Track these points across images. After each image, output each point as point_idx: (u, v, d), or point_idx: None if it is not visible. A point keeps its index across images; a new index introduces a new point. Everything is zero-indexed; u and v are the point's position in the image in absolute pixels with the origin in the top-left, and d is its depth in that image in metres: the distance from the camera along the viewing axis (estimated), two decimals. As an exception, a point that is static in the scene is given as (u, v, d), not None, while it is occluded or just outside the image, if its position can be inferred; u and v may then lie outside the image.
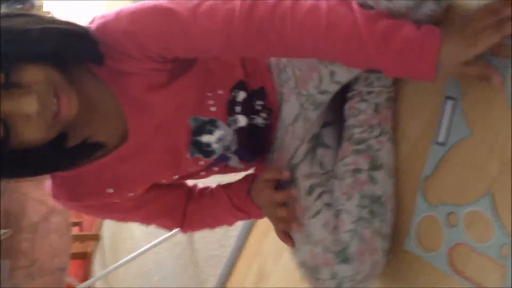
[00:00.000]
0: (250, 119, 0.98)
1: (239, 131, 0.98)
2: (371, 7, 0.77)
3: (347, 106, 0.98)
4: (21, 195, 1.89)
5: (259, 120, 1.00)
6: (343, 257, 0.91)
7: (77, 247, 4.10)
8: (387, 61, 0.77)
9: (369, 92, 0.96)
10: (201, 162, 0.98)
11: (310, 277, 0.95)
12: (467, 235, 0.84)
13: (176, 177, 1.00)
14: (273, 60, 0.99)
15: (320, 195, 0.97)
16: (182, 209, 1.08)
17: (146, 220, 1.08)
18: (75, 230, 4.36)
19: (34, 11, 3.77)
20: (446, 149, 0.89)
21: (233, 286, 1.82)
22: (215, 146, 0.97)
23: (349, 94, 0.98)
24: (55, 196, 0.93)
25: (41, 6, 3.99)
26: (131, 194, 0.97)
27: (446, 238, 0.87)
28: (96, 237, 3.83)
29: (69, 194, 0.93)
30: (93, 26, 0.84)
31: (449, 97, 0.88)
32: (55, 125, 0.78)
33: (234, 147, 0.99)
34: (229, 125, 0.97)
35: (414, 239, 0.92)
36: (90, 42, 0.82)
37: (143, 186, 0.98)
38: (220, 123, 0.96)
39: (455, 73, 0.79)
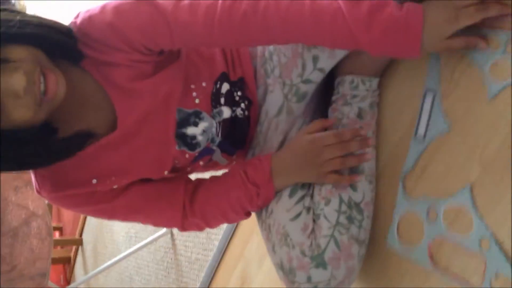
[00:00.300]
0: (233, 110, 0.99)
1: (223, 123, 0.98)
2: None
3: (330, 108, 0.99)
4: (0, 200, 1.86)
5: (238, 111, 1.00)
6: (319, 262, 0.92)
7: (58, 252, 4.07)
8: (372, 41, 0.81)
9: (354, 96, 0.96)
10: (187, 155, 0.98)
11: (287, 280, 0.95)
12: (447, 229, 0.85)
13: (166, 172, 0.99)
14: (258, 49, 1.00)
15: (301, 198, 0.97)
16: (181, 199, 1.00)
17: (145, 216, 1.02)
18: (57, 235, 4.32)
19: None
20: (425, 143, 0.90)
21: (216, 290, 1.82)
22: (200, 138, 0.97)
23: (334, 97, 0.99)
24: (39, 188, 0.92)
25: (23, 8, 3.96)
26: (115, 186, 0.95)
27: (426, 233, 0.87)
28: (77, 242, 3.80)
29: (53, 185, 0.92)
30: (78, 20, 0.85)
31: (429, 90, 0.90)
32: (43, 105, 0.78)
33: (218, 139, 0.99)
34: (213, 117, 0.97)
35: (395, 235, 0.93)
36: (69, 37, 0.84)
37: (127, 178, 0.96)
38: (204, 115, 0.96)
39: (440, 48, 0.82)
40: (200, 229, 1.04)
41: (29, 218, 2.12)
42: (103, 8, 0.85)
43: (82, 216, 3.69)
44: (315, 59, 0.93)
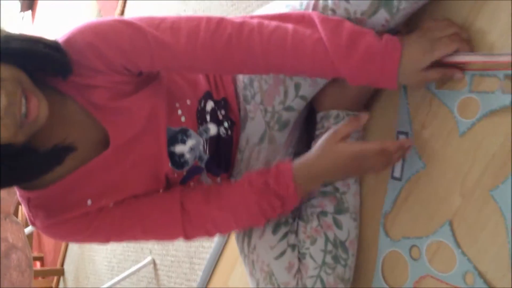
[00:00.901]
0: (218, 128, 0.98)
1: (210, 140, 0.98)
2: (333, 10, 0.83)
3: (314, 142, 0.96)
4: (-21, 233, 1.83)
5: (222, 130, 0.99)
6: None
7: (40, 283, 3.99)
8: (351, 70, 0.83)
9: None
10: (175, 175, 0.97)
11: None
12: (431, 266, 0.85)
13: (161, 190, 0.97)
14: (240, 75, 1.00)
15: (285, 235, 0.96)
16: (178, 203, 0.94)
17: (143, 228, 0.95)
18: (38, 265, 4.25)
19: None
20: (402, 183, 0.91)
21: (200, 320, 1.79)
22: (187, 156, 0.96)
23: (318, 132, 0.98)
24: (33, 218, 0.90)
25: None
26: (111, 204, 0.92)
27: (411, 272, 0.88)
28: (59, 272, 3.74)
29: (45, 211, 0.89)
30: (60, 40, 0.85)
31: (400, 132, 0.91)
32: (24, 127, 0.77)
33: (206, 157, 0.98)
34: (200, 134, 0.96)
35: (381, 276, 0.93)
36: (58, 51, 0.83)
37: (122, 195, 0.93)
38: (191, 132, 0.95)
39: (416, 80, 0.84)
40: (210, 235, 0.97)
41: (8, 251, 2.09)
42: (82, 28, 0.84)
43: (63, 246, 3.64)
44: (297, 86, 0.94)
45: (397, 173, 0.91)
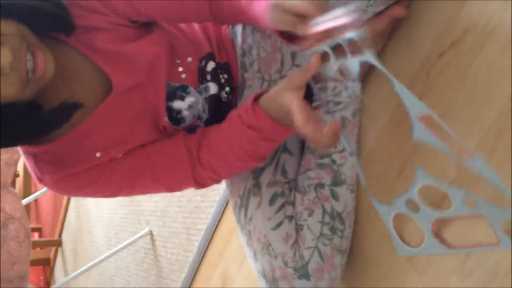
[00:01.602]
0: (219, 88, 0.98)
1: (210, 99, 0.98)
2: None
3: None
4: (-24, 203, 1.84)
5: (223, 94, 1.00)
6: (302, 273, 0.92)
7: (38, 253, 4.02)
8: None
9: (337, 103, 0.95)
10: (173, 130, 0.97)
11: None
12: (433, 210, 0.83)
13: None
14: (238, 40, 1.00)
15: (282, 206, 0.97)
16: (184, 151, 0.94)
17: (153, 178, 0.95)
18: (36, 236, 4.28)
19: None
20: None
21: (197, 290, 1.82)
22: (185, 113, 0.96)
23: (314, 104, 0.97)
24: (40, 174, 0.90)
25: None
26: (120, 155, 0.93)
27: (422, 226, 0.85)
28: (57, 243, 3.77)
29: (54, 166, 0.89)
30: None
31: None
32: (30, 83, 0.77)
33: (205, 116, 0.98)
34: (200, 92, 0.97)
35: (400, 242, 0.90)
36: (60, 7, 0.83)
37: (129, 145, 0.94)
38: (191, 89, 0.96)
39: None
40: (216, 182, 0.98)
41: (6, 221, 2.10)
42: None
43: (61, 216, 3.65)
44: (293, 55, 0.93)
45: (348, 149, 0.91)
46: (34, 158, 0.90)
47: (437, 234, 0.85)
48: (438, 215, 0.82)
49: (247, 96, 1.00)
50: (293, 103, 0.79)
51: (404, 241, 0.89)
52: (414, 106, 0.73)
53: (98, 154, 0.91)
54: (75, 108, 0.85)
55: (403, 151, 0.92)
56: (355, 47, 0.78)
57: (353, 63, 0.78)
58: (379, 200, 0.87)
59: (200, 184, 0.97)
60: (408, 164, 0.91)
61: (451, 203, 0.78)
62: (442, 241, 0.84)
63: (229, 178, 1.02)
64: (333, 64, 0.80)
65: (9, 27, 0.75)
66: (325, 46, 0.78)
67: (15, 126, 0.79)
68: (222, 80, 0.99)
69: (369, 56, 0.75)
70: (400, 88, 0.73)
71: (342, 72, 0.83)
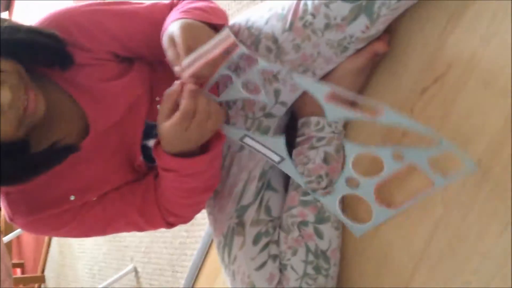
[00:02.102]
0: None
1: None
2: (313, 15, 0.84)
3: (295, 151, 0.97)
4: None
5: None
6: None
7: (20, 290, 3.95)
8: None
9: (320, 139, 0.95)
10: (147, 168, 0.96)
11: None
12: (371, 178, 0.84)
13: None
14: (222, 78, 0.99)
15: (266, 245, 0.95)
16: (154, 195, 0.95)
17: (126, 221, 0.95)
18: (18, 272, 4.20)
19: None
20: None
21: (183, 328, 1.78)
22: None
23: (298, 139, 0.97)
24: (12, 214, 0.88)
25: None
26: (94, 198, 0.92)
27: (366, 197, 0.86)
28: (40, 279, 3.70)
29: (27, 207, 0.88)
30: (44, 20, 0.86)
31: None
32: (24, 121, 0.76)
33: None
34: None
35: (354, 225, 0.90)
36: (58, 41, 0.83)
37: (104, 188, 0.93)
38: None
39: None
40: (183, 222, 0.99)
41: (-14, 260, 2.05)
42: (66, 9, 0.88)
43: (44, 252, 3.60)
44: (276, 92, 0.93)
45: (275, 158, 0.88)
46: (7, 197, 0.88)
47: (381, 200, 0.87)
48: (376, 181, 0.83)
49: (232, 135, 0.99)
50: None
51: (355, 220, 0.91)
52: (317, 90, 0.78)
53: (72, 197, 0.89)
54: (68, 150, 0.84)
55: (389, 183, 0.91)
56: (249, 61, 0.83)
57: (253, 74, 0.83)
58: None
59: (170, 224, 0.98)
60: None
61: (383, 164, 0.80)
62: (387, 205, 0.87)
63: (194, 214, 1.01)
64: (237, 83, 0.84)
65: (7, 65, 0.75)
66: (222, 70, 0.81)
67: (8, 165, 0.78)
68: None
69: (262, 62, 0.81)
70: (298, 78, 0.81)
71: (248, 88, 0.88)
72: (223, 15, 0.96)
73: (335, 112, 0.78)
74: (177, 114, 0.78)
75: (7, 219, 0.90)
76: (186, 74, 0.78)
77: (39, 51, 0.82)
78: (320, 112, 0.95)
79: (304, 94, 0.94)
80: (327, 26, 0.83)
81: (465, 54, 0.82)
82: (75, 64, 0.86)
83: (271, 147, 0.86)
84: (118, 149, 0.93)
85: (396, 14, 0.83)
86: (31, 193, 0.88)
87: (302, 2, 0.85)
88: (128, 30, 0.91)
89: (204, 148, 0.86)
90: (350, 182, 0.86)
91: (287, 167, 0.88)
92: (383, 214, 0.86)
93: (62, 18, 0.86)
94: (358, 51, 0.87)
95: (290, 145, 0.99)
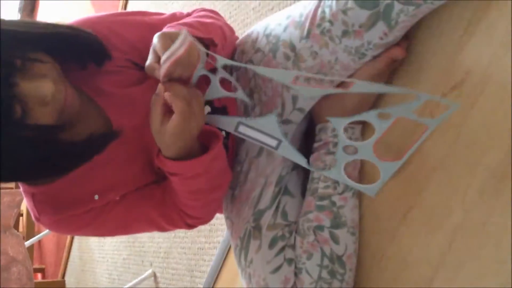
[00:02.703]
0: None
1: None
2: (331, 22, 0.85)
3: (312, 156, 0.97)
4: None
5: None
6: None
7: (40, 295, 3.99)
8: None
9: (336, 144, 0.94)
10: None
11: None
12: (366, 142, 0.85)
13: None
14: (241, 84, 1.00)
15: (282, 249, 0.96)
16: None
17: (148, 222, 0.98)
18: (39, 277, 4.25)
19: None
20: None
21: (201, 334, 1.78)
22: None
23: (315, 145, 0.98)
24: (38, 214, 0.91)
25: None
26: (117, 198, 0.95)
27: (368, 159, 0.87)
28: (60, 284, 3.74)
29: (52, 207, 0.90)
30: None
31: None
32: (62, 115, 0.79)
33: None
34: None
35: (366, 186, 0.90)
36: (96, 39, 0.87)
37: (126, 189, 0.96)
38: None
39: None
40: (201, 223, 1.02)
41: (9, 264, 2.09)
42: (93, 17, 0.91)
43: (64, 257, 3.64)
44: (294, 98, 0.94)
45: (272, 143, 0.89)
46: (33, 197, 0.91)
47: (384, 157, 0.87)
48: (372, 141, 0.84)
49: (249, 143, 1.00)
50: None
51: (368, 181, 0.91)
52: (283, 77, 0.82)
53: (96, 197, 0.92)
54: (111, 137, 0.86)
55: (407, 189, 0.91)
56: (212, 58, 0.85)
57: (222, 72, 0.87)
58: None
59: (189, 225, 1.01)
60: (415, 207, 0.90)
61: (374, 127, 0.82)
62: (391, 159, 0.87)
63: (210, 215, 1.04)
64: (215, 81, 0.86)
65: (49, 59, 0.78)
66: (199, 71, 0.84)
67: (55, 156, 0.80)
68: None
69: (221, 60, 0.85)
70: (261, 69, 0.86)
71: (225, 84, 0.90)
72: (216, 31, 0.97)
73: (308, 91, 0.82)
74: (176, 115, 0.80)
75: (34, 219, 0.93)
76: (161, 74, 0.81)
77: (81, 47, 0.85)
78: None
79: (322, 100, 0.95)
80: (345, 33, 0.84)
81: (484, 61, 0.82)
82: (99, 71, 0.89)
83: (266, 130, 0.86)
84: (139, 152, 0.95)
85: (414, 20, 0.83)
86: (56, 193, 0.90)
87: (319, 10, 0.86)
88: (146, 40, 0.93)
89: (204, 150, 0.88)
90: (347, 149, 0.87)
91: (286, 150, 0.87)
92: (389, 168, 0.86)
93: (85, 27, 0.89)
94: (376, 57, 0.88)
95: (308, 152, 1.00)
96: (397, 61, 0.90)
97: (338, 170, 0.88)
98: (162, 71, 0.80)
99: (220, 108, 1.01)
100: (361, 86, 0.78)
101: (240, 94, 0.89)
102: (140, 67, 0.94)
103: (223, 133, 1.01)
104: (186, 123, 0.80)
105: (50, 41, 0.80)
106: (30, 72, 0.75)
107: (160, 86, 0.82)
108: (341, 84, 0.86)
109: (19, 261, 2.12)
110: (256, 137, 0.87)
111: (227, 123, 0.87)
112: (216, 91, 0.88)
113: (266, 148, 0.87)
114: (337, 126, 0.85)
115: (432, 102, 0.84)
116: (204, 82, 0.91)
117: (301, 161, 0.88)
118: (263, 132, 0.86)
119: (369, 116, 0.81)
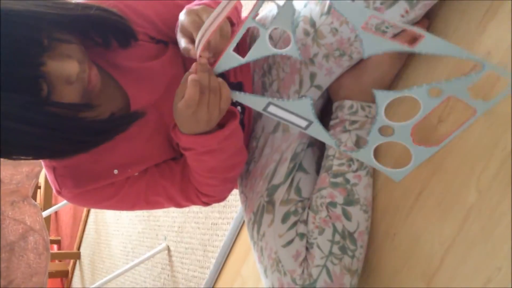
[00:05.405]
0: None
1: None
2: None
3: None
4: (-3, 214, 1.86)
5: None
6: None
7: (56, 265, 4.06)
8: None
9: (352, 122, 0.95)
10: None
11: None
12: (406, 122, 0.81)
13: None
14: (259, 60, 1.01)
15: (294, 224, 0.97)
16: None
17: (167, 197, 1.01)
18: (55, 248, 4.32)
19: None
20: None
21: (212, 307, 1.81)
22: None
23: (332, 122, 0.98)
24: (59, 187, 0.93)
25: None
26: (136, 173, 0.97)
27: (403, 142, 0.83)
28: (75, 256, 3.79)
29: (73, 181, 0.93)
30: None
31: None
32: (85, 94, 0.81)
33: None
34: None
35: (393, 170, 0.87)
36: (123, 19, 0.87)
37: (146, 164, 0.98)
38: None
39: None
40: (216, 201, 1.05)
41: (26, 233, 2.12)
42: None
43: (80, 229, 3.68)
44: (312, 75, 0.94)
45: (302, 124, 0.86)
46: (54, 171, 0.93)
47: (420, 141, 0.84)
48: (412, 122, 0.80)
49: (266, 117, 1.00)
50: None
51: (394, 166, 0.88)
52: (356, 16, 0.73)
53: (115, 171, 0.93)
54: (136, 116, 0.87)
55: (422, 169, 0.91)
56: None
57: (282, 15, 0.78)
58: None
59: (205, 203, 1.03)
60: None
61: (420, 104, 0.77)
62: (427, 144, 0.83)
63: (225, 194, 1.06)
64: (265, 36, 0.80)
65: (75, 41, 0.79)
66: (249, 23, 0.78)
67: (82, 133, 0.81)
68: (234, 100, 1.00)
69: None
70: (337, 3, 0.74)
71: (273, 39, 0.89)
72: (232, 11, 0.97)
73: (373, 42, 0.74)
74: (182, 101, 0.81)
75: (55, 192, 0.95)
76: (198, 51, 0.81)
77: (109, 29, 0.86)
78: (354, 96, 0.96)
79: (340, 78, 0.95)
80: None
81: (505, 42, 0.81)
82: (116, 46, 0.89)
83: (298, 112, 0.84)
84: (157, 128, 0.96)
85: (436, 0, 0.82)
86: (76, 167, 0.92)
87: None
88: (162, 16, 0.94)
89: (220, 127, 0.89)
90: (384, 130, 0.83)
91: (316, 131, 0.86)
92: (423, 153, 0.83)
93: (105, 5, 0.88)
94: (396, 35, 0.87)
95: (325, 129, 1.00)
96: (417, 39, 0.90)
97: (368, 152, 0.86)
98: (201, 46, 0.80)
99: (235, 84, 1.02)
100: (430, 44, 0.72)
101: (292, 49, 0.82)
102: (157, 40, 0.95)
103: (239, 108, 1.02)
104: (189, 110, 0.81)
105: (79, 23, 0.81)
106: (57, 52, 0.75)
107: (194, 66, 0.83)
108: (408, 37, 0.83)
109: (36, 231, 2.15)
110: (286, 117, 0.85)
111: (256, 102, 0.85)
112: (263, 48, 0.81)
113: (295, 127, 0.87)
114: (380, 101, 0.79)
115: (486, 84, 0.79)
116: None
117: (330, 141, 0.87)
118: (294, 113, 0.85)
119: (419, 92, 0.76)
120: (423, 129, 0.87)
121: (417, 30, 0.72)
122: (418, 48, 0.73)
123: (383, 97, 0.79)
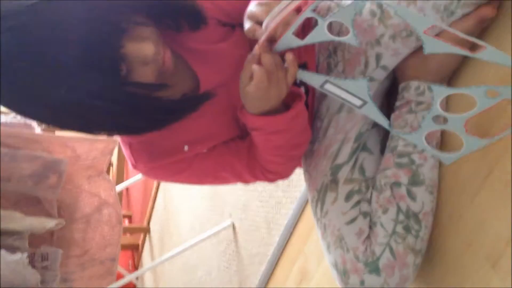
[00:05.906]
0: None
1: None
2: None
3: (393, 115, 0.97)
4: (74, 188, 1.97)
5: None
6: (373, 268, 0.92)
7: (127, 239, 4.23)
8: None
9: (419, 103, 0.95)
10: None
11: (340, 280, 0.96)
12: (461, 114, 0.82)
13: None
14: (325, 42, 1.02)
15: (357, 203, 0.97)
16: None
17: (233, 172, 1.05)
18: (126, 223, 4.50)
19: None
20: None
21: (275, 284, 1.84)
22: None
23: (398, 103, 0.98)
24: (135, 161, 0.99)
25: None
26: (205, 150, 1.02)
27: (455, 130, 0.85)
28: (145, 230, 3.93)
29: (147, 156, 0.99)
30: None
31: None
32: (160, 76, 0.85)
33: None
34: None
35: (444, 154, 0.90)
36: (197, 8, 0.91)
37: (214, 141, 1.03)
38: None
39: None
40: (281, 178, 1.09)
41: (101, 206, 2.21)
42: None
43: (150, 205, 3.80)
44: (378, 56, 0.93)
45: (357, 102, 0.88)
46: (130, 146, 0.99)
47: (473, 133, 0.84)
48: (466, 116, 0.81)
49: (331, 99, 1.01)
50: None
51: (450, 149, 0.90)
52: (418, 23, 0.75)
53: (186, 148, 0.98)
54: (206, 97, 0.92)
55: (489, 152, 0.89)
56: (322, 11, 0.84)
57: (343, 12, 0.79)
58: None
59: (270, 180, 1.07)
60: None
61: (475, 101, 0.78)
62: (480, 136, 0.84)
63: (290, 171, 1.10)
64: (322, 25, 0.81)
65: (150, 24, 0.83)
66: (308, 13, 0.80)
67: (153, 111, 0.86)
68: (298, 81, 1.01)
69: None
70: (400, 10, 0.77)
71: (333, 30, 0.90)
72: None
73: (434, 44, 0.77)
74: (252, 85, 0.86)
75: (131, 166, 1.01)
76: (262, 38, 0.84)
77: (183, 14, 0.90)
78: (420, 77, 0.95)
79: (407, 58, 0.94)
80: None
81: None
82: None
83: (354, 92, 0.87)
84: (226, 107, 0.99)
85: None
86: (150, 143, 0.98)
87: None
88: (231, 1, 0.97)
89: (287, 108, 0.93)
90: (437, 119, 0.85)
91: (370, 110, 0.88)
92: (475, 143, 0.84)
93: None
94: (465, 15, 0.86)
95: (389, 110, 1.00)
96: (487, 20, 0.88)
97: (419, 135, 0.88)
98: (267, 32, 0.83)
99: (301, 65, 1.03)
100: (490, 54, 0.73)
101: (350, 38, 0.84)
102: (223, 23, 0.98)
103: (302, 89, 1.03)
104: (261, 92, 0.86)
105: (155, 7, 0.84)
106: (135, 34, 0.79)
107: (257, 47, 0.86)
108: (477, 17, 0.84)
109: (110, 204, 2.23)
110: (341, 95, 0.88)
111: (314, 79, 0.89)
112: (321, 34, 0.84)
113: (349, 105, 0.89)
114: (437, 95, 0.81)
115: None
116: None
117: (384, 122, 0.88)
118: (350, 92, 0.87)
119: (477, 91, 0.77)
120: (477, 122, 0.86)
121: (479, 42, 0.73)
122: (478, 55, 0.74)
123: (440, 92, 0.81)
